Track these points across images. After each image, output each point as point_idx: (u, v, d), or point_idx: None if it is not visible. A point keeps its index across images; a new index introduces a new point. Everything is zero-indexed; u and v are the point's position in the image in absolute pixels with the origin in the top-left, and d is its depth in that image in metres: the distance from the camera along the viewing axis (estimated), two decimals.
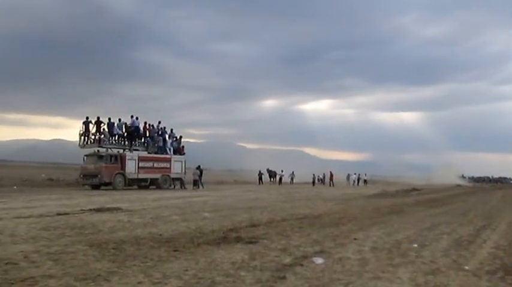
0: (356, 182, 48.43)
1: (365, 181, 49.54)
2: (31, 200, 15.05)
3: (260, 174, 42.93)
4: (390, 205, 16.86)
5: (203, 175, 29.51)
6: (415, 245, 7.51)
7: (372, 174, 54.62)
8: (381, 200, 20.80)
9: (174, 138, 29.43)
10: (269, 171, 44.46)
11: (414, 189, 33.53)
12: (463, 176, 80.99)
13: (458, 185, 56.34)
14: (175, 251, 6.39)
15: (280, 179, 43.59)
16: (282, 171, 44.51)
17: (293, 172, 47.28)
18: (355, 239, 8.00)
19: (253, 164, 50.20)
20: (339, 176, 51.17)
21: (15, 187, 23.13)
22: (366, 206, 16.44)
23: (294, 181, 46.20)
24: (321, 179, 49.25)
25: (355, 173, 50.81)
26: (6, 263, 5.34)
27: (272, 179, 44.39)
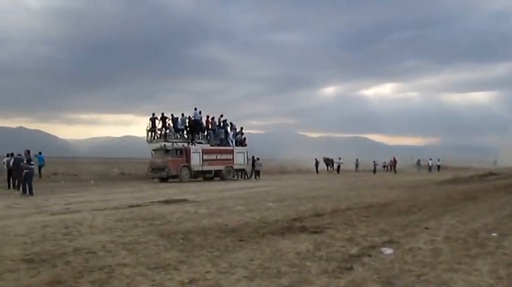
0: (429, 168, 45.91)
1: (438, 167, 46.88)
2: (106, 194, 16.11)
3: (316, 162, 41.33)
4: (464, 191, 15.81)
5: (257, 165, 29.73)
6: (495, 235, 6.96)
7: (441, 159, 51.57)
8: (453, 186, 19.60)
9: (236, 130, 29.89)
10: (326, 159, 42.41)
11: (491, 173, 31.22)
12: None
13: None
14: (240, 241, 6.47)
15: (339, 167, 41.34)
16: (340, 159, 42.24)
17: (357, 160, 45.92)
18: (427, 228, 7.59)
19: (316, 153, 49.34)
20: (405, 162, 49.06)
21: (92, 181, 24.87)
22: (436, 193, 15.59)
23: (359, 168, 44.86)
24: (387, 166, 47.51)
25: (430, 159, 48.28)
26: (87, 253, 5.74)
27: (329, 167, 42.29)
